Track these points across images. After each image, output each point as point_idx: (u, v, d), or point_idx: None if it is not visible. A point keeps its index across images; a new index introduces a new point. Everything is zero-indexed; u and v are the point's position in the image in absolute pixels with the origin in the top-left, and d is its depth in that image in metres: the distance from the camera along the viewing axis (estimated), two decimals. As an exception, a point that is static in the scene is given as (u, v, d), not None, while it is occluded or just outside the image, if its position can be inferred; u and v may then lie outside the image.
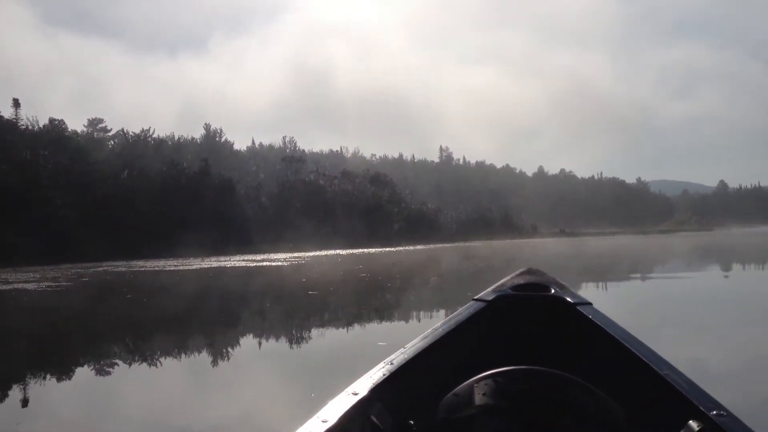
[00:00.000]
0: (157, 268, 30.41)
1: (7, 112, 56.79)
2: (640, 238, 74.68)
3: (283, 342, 8.84)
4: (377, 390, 1.78)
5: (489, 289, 2.43)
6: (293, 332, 9.69)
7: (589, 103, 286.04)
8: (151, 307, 13.78)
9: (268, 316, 12.00)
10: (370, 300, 14.03)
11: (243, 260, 37.70)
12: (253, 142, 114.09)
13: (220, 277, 23.66)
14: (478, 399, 1.58)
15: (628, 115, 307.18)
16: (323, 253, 47.96)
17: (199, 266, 31.57)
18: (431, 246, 63.68)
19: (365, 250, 52.55)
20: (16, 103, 57.24)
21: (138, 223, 54.38)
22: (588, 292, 12.77)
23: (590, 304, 2.26)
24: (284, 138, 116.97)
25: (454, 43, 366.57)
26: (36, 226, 47.16)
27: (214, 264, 33.58)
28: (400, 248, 57.90)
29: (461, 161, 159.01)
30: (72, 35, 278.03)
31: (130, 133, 75.70)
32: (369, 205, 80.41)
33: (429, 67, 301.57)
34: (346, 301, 13.78)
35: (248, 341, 9.04)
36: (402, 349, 2.03)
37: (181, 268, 30.64)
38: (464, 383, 1.65)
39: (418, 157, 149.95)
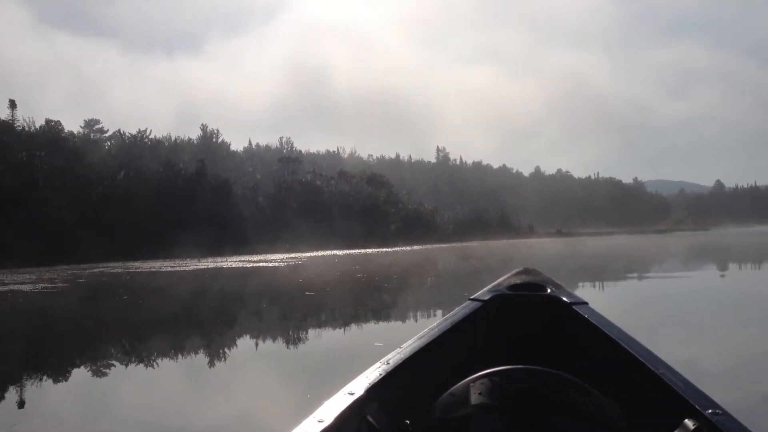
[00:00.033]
0: (153, 269, 30.37)
1: (4, 113, 56.87)
2: (637, 238, 74.77)
3: (280, 343, 8.84)
4: (373, 390, 1.78)
5: (485, 288, 2.43)
6: (289, 333, 9.69)
7: (586, 103, 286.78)
8: (147, 308, 13.75)
9: (264, 317, 11.99)
10: (367, 300, 14.03)
11: (240, 261, 37.67)
12: (250, 143, 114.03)
13: (217, 278, 23.63)
14: (474, 398, 1.58)
15: (624, 115, 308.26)
16: (320, 253, 47.94)
17: (195, 267, 31.53)
18: (428, 246, 63.70)
19: (362, 251, 52.54)
20: (13, 104, 57.14)
21: (135, 224, 54.30)
22: (584, 291, 12.79)
23: (586, 303, 2.26)
24: (281, 138, 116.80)
25: (451, 43, 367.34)
26: (32, 228, 47.06)
27: (211, 265, 33.54)
28: (397, 249, 57.90)
29: (458, 161, 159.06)
30: (68, 35, 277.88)
31: (127, 134, 75.64)
32: (366, 206, 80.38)
33: (426, 67, 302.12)
34: (343, 301, 13.77)
35: (244, 342, 9.03)
36: (398, 349, 2.03)
37: (178, 269, 30.60)
38: (460, 383, 1.65)
39: (415, 157, 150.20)
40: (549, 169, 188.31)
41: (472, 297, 2.38)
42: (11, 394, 6.05)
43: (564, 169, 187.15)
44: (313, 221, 68.64)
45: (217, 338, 9.42)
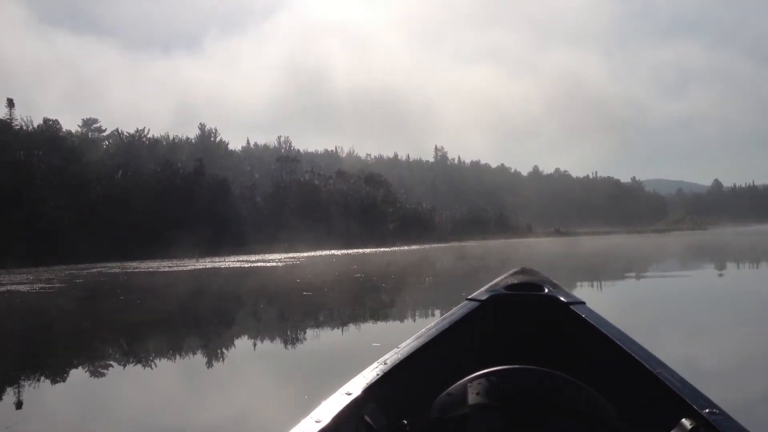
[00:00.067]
0: (151, 269, 30.34)
1: (1, 112, 56.75)
2: (635, 238, 74.86)
3: (277, 343, 8.83)
4: (371, 390, 1.78)
5: (483, 288, 2.43)
6: (287, 333, 9.68)
7: (585, 102, 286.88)
8: (144, 308, 13.74)
9: (261, 318, 11.98)
10: (365, 300, 14.02)
11: (237, 261, 37.64)
12: (248, 142, 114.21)
13: (215, 277, 23.62)
14: (472, 398, 1.58)
15: (623, 114, 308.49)
16: (318, 253, 47.92)
17: (193, 267, 31.50)
18: (426, 246, 63.70)
19: (360, 251, 52.53)
20: (11, 103, 57.10)
21: (133, 224, 54.26)
22: (581, 291, 12.79)
23: (583, 303, 2.26)
24: (279, 138, 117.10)
25: (449, 43, 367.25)
26: (29, 227, 47.01)
27: (209, 265, 33.52)
28: (395, 248, 57.89)
29: (456, 161, 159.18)
30: (66, 34, 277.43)
31: (125, 133, 75.69)
32: (364, 205, 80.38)
33: (424, 67, 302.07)
34: (341, 301, 13.76)
35: (242, 342, 9.02)
36: (396, 349, 2.03)
37: (176, 268, 30.58)
38: (458, 383, 1.65)
39: (413, 156, 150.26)
40: (547, 168, 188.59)
41: (469, 297, 2.38)
42: (9, 395, 6.05)
43: (562, 169, 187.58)
44: (311, 221, 68.64)
45: (215, 338, 9.41)
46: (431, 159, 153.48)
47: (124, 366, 7.42)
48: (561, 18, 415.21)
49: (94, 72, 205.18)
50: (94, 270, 31.26)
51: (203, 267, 31.17)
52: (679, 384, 1.70)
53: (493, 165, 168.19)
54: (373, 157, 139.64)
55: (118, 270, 30.70)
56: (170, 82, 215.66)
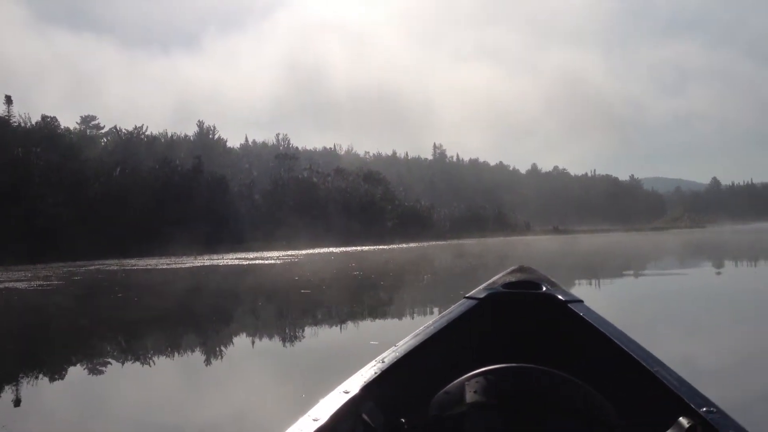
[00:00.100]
0: (149, 267, 30.33)
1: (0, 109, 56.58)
2: (633, 236, 74.93)
3: (275, 341, 8.84)
4: (368, 388, 1.78)
5: (481, 286, 2.43)
6: (285, 331, 9.68)
7: (583, 100, 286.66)
8: (142, 306, 13.74)
9: (259, 315, 11.99)
10: (363, 298, 14.03)
11: (236, 258, 37.62)
12: (247, 140, 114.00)
13: (213, 275, 23.61)
14: (470, 397, 1.58)
15: (621, 112, 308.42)
16: (316, 250, 47.91)
17: (191, 264, 31.49)
18: (424, 244, 63.70)
19: (358, 248, 52.52)
20: (8, 100, 56.96)
21: (130, 221, 54.20)
22: (579, 289, 12.81)
23: (581, 301, 2.26)
24: (278, 135, 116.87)
25: (448, 40, 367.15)
26: (28, 224, 46.95)
27: (207, 262, 33.51)
28: (394, 246, 57.87)
29: (455, 158, 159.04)
30: (65, 32, 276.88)
31: (123, 131, 75.57)
32: (362, 203, 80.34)
33: (423, 64, 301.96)
34: (339, 299, 13.76)
35: (240, 340, 9.03)
36: (393, 347, 2.03)
37: (174, 266, 30.56)
38: (455, 381, 1.65)
39: (411, 154, 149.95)
40: (546, 166, 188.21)
41: (467, 295, 2.38)
42: (7, 393, 6.04)
43: (561, 167, 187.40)
44: (309, 218, 68.60)
45: (213, 336, 9.41)
46: (430, 157, 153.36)
47: (122, 363, 7.42)
48: (560, 16, 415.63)
49: (92, 70, 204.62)
50: (92, 267, 31.23)
51: (201, 264, 31.16)
52: (677, 382, 1.70)
53: (492, 163, 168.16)
54: (371, 154, 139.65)
55: (116, 267, 30.67)
56: (169, 80, 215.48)
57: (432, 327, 2.16)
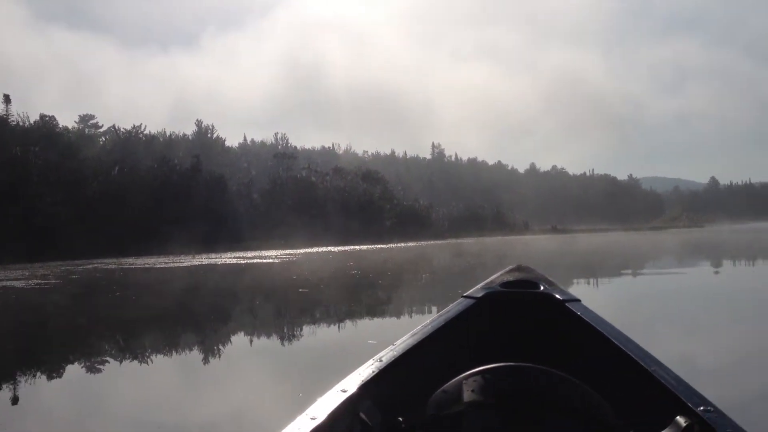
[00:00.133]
0: (147, 266, 30.31)
1: (-2, 108, 56.47)
2: (631, 235, 74.99)
3: (273, 340, 8.84)
4: (366, 387, 1.78)
5: (478, 286, 2.43)
6: (283, 330, 9.68)
7: (582, 100, 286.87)
8: (139, 305, 13.73)
9: (257, 314, 11.99)
10: (361, 297, 14.03)
11: (234, 257, 37.61)
12: (245, 139, 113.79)
13: (211, 274, 23.61)
14: (467, 396, 1.58)
15: (620, 111, 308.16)
16: (315, 249, 47.91)
17: (190, 263, 31.47)
18: (423, 243, 63.71)
19: (357, 247, 52.51)
20: (7, 99, 56.87)
21: (129, 220, 54.15)
22: (577, 288, 12.82)
23: (579, 300, 2.26)
24: (276, 134, 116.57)
25: (447, 40, 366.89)
26: (26, 223, 46.90)
27: (205, 261, 33.49)
28: (392, 245, 57.88)
29: (453, 158, 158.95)
30: (63, 31, 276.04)
31: (122, 130, 75.42)
32: (361, 202, 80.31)
33: (422, 64, 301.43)
34: (337, 298, 13.77)
35: (238, 339, 9.02)
36: (391, 346, 2.03)
37: (172, 265, 30.55)
38: (453, 380, 1.65)
39: (410, 153, 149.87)
40: (544, 165, 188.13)
41: (465, 294, 2.38)
42: (4, 392, 6.03)
43: (559, 166, 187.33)
44: (307, 217, 68.60)
45: (211, 335, 9.41)
46: (428, 156, 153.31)
47: (120, 362, 7.42)
48: (559, 16, 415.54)
49: (91, 69, 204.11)
50: (90, 266, 31.21)
51: (199, 263, 31.14)
52: (674, 382, 1.71)
53: (490, 162, 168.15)
54: (370, 153, 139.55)
55: (114, 266, 30.66)
56: (167, 79, 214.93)
57: (430, 326, 2.17)
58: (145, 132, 76.92)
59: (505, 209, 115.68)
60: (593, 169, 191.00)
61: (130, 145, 71.07)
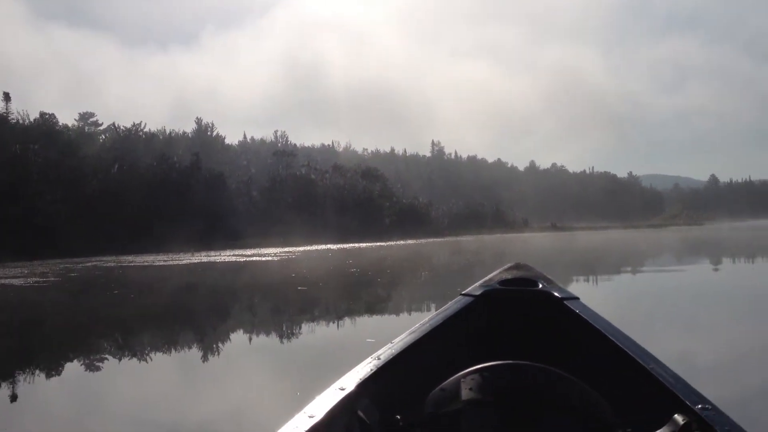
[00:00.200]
0: (146, 263, 30.30)
1: (-2, 106, 56.41)
2: (631, 233, 75.01)
3: (272, 338, 8.84)
4: (364, 385, 1.78)
5: (477, 284, 2.43)
6: (282, 328, 9.68)
7: (582, 97, 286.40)
8: (139, 303, 13.73)
9: (256, 312, 11.99)
10: (360, 295, 14.04)
11: (233, 255, 37.60)
12: (245, 137, 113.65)
13: (210, 272, 23.61)
14: (465, 394, 1.58)
15: (620, 109, 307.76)
16: (314, 247, 47.90)
17: (189, 261, 31.47)
18: (422, 240, 63.71)
19: (356, 245, 52.51)
20: (7, 97, 56.80)
21: (128, 218, 54.13)
22: (576, 286, 12.83)
23: (577, 298, 2.26)
24: (276, 132, 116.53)
25: (446, 37, 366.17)
26: (25, 221, 46.87)
27: (204, 259, 33.48)
28: (391, 243, 57.88)
29: (453, 155, 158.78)
30: (63, 29, 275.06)
31: (121, 128, 75.30)
32: (360, 200, 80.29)
33: (421, 61, 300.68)
34: (335, 296, 13.77)
35: (237, 337, 9.03)
36: (389, 344, 2.03)
37: (171, 263, 30.54)
38: (451, 378, 1.65)
39: (409, 151, 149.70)
40: (544, 163, 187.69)
41: (463, 292, 2.38)
42: (3, 390, 6.03)
43: (559, 164, 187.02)
44: (307, 215, 68.59)
45: (210, 333, 9.42)
46: (428, 154, 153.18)
47: (119, 360, 7.42)
48: (558, 13, 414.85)
49: (91, 67, 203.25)
50: (89, 264, 31.21)
51: (198, 261, 31.14)
52: (672, 380, 1.71)
53: (490, 160, 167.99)
54: (369, 151, 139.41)
55: (113, 264, 30.65)
56: (167, 77, 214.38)
57: (428, 324, 2.16)
58: (144, 130, 76.85)
59: (505, 207, 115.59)
60: (593, 167, 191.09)
61: (130, 143, 71.00)
